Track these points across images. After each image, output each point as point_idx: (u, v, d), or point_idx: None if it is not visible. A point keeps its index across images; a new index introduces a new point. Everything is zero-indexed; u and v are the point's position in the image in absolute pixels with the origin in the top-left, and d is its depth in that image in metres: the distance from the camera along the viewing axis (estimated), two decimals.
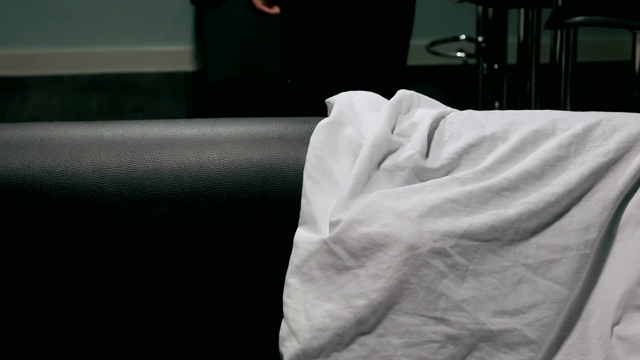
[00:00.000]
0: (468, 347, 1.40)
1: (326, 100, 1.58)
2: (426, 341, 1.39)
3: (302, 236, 1.44)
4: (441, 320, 1.39)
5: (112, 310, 1.46)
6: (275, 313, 1.43)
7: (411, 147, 1.48)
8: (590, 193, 1.45)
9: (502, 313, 1.40)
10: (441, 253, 1.40)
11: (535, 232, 1.43)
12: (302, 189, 1.46)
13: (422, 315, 1.39)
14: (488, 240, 1.42)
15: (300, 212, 1.46)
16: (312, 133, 1.51)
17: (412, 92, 1.58)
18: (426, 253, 1.40)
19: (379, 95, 1.59)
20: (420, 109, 1.56)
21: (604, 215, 1.44)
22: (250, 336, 1.47)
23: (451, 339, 1.39)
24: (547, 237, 1.43)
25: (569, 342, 1.42)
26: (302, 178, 1.47)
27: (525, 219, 1.42)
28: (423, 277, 1.39)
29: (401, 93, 1.56)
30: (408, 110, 1.55)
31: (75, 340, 1.46)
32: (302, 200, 1.46)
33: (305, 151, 1.49)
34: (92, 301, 1.46)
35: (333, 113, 1.53)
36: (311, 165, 1.47)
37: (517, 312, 1.41)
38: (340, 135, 1.50)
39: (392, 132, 1.51)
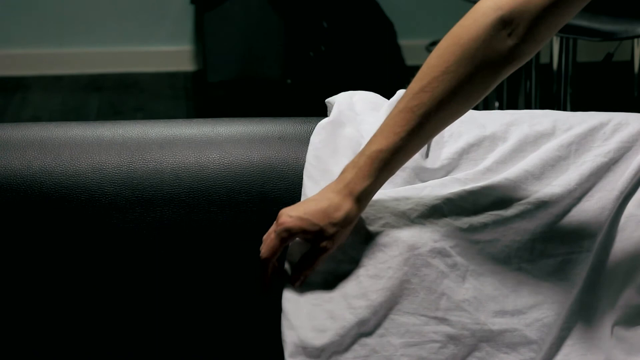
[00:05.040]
0: (469, 347, 1.39)
1: (326, 100, 1.58)
2: (427, 341, 1.39)
3: None
4: (442, 320, 1.39)
5: (112, 310, 1.46)
6: (275, 313, 1.42)
7: None
8: (590, 193, 1.45)
9: (502, 313, 1.40)
10: (441, 253, 1.40)
11: (535, 232, 1.43)
12: (302, 189, 1.46)
13: (422, 315, 1.39)
14: (488, 241, 1.42)
15: None
16: (312, 133, 1.51)
17: None
18: (426, 253, 1.39)
19: (379, 95, 1.59)
20: None
21: (604, 215, 1.44)
22: (250, 336, 1.47)
23: (452, 339, 1.39)
24: (547, 237, 1.43)
25: (569, 342, 1.42)
26: (302, 178, 1.47)
27: (526, 219, 1.42)
28: (424, 277, 1.39)
29: (401, 93, 1.56)
30: None
31: (76, 340, 1.46)
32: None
33: (305, 151, 1.49)
34: (92, 301, 1.46)
35: (333, 113, 1.53)
36: (311, 165, 1.47)
37: (517, 312, 1.41)
38: (340, 135, 1.50)
39: None
